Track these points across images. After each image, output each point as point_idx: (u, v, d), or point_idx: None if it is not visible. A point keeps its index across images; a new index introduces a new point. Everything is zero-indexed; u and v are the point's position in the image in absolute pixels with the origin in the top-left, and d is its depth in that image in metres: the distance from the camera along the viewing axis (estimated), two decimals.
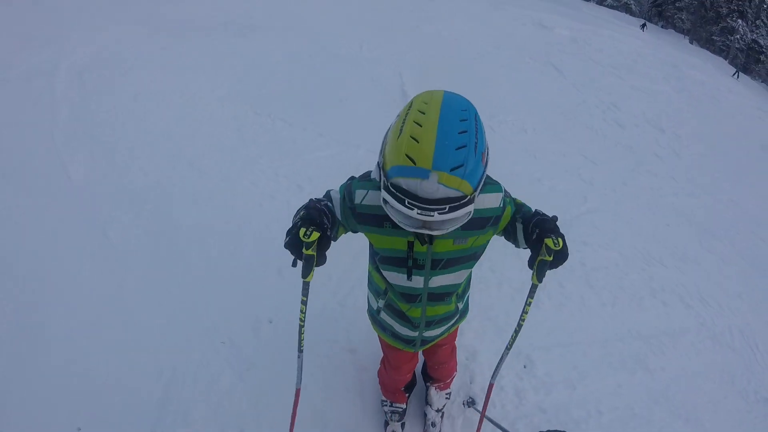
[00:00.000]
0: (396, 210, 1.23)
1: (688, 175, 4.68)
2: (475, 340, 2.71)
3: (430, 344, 1.93)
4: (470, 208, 1.21)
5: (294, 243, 1.36)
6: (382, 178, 1.23)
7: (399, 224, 1.28)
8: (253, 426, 1.86)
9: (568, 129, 4.86)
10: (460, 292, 1.78)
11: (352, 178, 1.57)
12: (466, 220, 1.26)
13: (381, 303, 1.77)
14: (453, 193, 1.15)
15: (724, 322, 3.36)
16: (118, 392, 2.41)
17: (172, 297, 2.87)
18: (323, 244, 1.40)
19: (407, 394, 2.39)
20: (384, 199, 1.25)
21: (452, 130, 1.15)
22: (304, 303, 1.56)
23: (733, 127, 5.87)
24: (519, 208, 1.60)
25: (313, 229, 1.35)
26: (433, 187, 1.13)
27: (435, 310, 1.73)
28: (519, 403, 2.50)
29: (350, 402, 2.47)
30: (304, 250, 1.35)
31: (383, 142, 1.29)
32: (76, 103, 4.51)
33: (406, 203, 1.17)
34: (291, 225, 1.41)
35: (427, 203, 1.15)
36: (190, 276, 3.01)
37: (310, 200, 1.49)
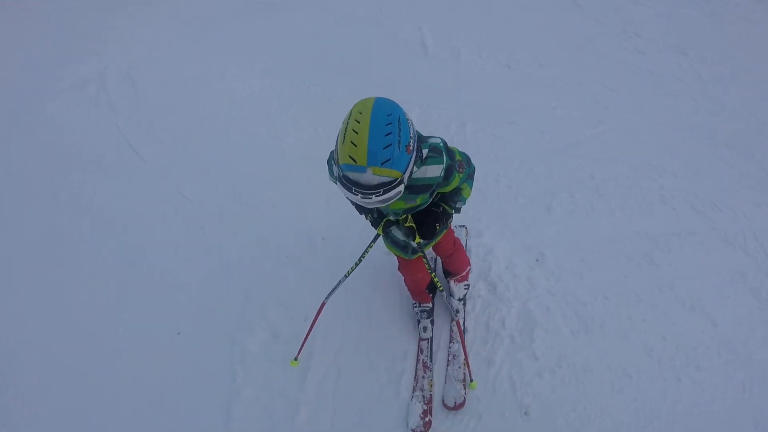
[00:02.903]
0: (346, 194, 1.66)
1: (710, 95, 4.66)
2: (493, 240, 3.13)
3: (424, 250, 2.32)
4: (400, 188, 1.62)
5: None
6: (336, 169, 1.63)
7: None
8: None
9: (586, 60, 4.96)
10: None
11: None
12: (399, 195, 1.66)
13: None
14: (385, 179, 1.57)
15: (738, 227, 3.35)
16: (212, 301, 3.28)
17: (247, 231, 3.63)
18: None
19: (432, 295, 2.87)
20: (339, 186, 1.66)
21: (380, 133, 1.53)
22: (371, 246, 2.35)
23: (766, 49, 5.70)
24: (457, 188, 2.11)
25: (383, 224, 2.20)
26: (369, 178, 1.55)
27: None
28: (530, 287, 2.90)
29: (390, 303, 3.01)
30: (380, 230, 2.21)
31: (336, 141, 1.66)
32: (131, 98, 5.22)
33: (353, 190, 1.59)
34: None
35: (366, 189, 1.58)
36: (257, 214, 3.74)
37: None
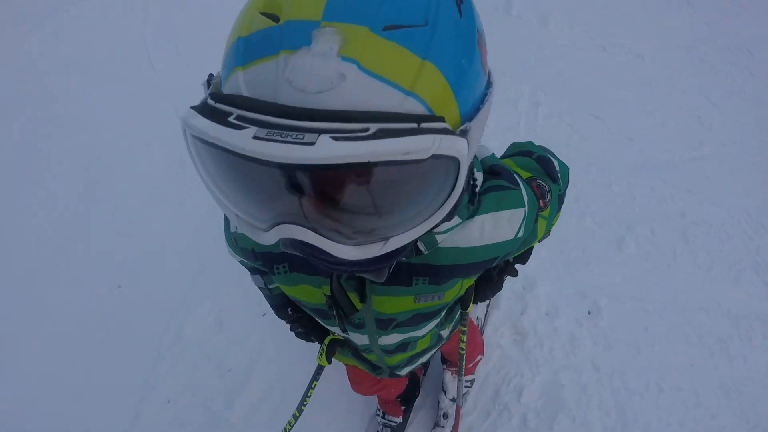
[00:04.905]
0: (203, 166, 0.51)
1: None
2: (539, 270, 2.11)
3: (404, 374, 1.24)
4: (429, 145, 0.42)
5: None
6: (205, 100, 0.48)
7: (237, 223, 0.55)
8: None
9: (691, 65, 3.86)
10: (443, 320, 1.08)
11: None
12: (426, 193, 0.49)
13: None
14: (383, 91, 0.42)
15: None
16: (167, 257, 2.44)
17: None
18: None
19: (404, 407, 1.82)
20: (190, 147, 0.50)
21: None
22: (313, 388, 1.20)
23: None
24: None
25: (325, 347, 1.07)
26: (327, 65, 0.42)
27: (398, 358, 1.07)
28: (570, 351, 1.94)
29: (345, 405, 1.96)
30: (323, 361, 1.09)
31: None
32: (168, 6, 4.30)
33: (232, 117, 0.43)
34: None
35: (299, 115, 0.41)
36: None
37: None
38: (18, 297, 2.37)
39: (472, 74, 0.50)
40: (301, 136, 0.39)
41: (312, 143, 0.38)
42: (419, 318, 0.85)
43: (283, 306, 1.10)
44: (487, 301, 1.97)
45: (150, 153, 2.98)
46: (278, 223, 0.49)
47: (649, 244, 2.32)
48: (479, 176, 0.72)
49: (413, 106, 0.43)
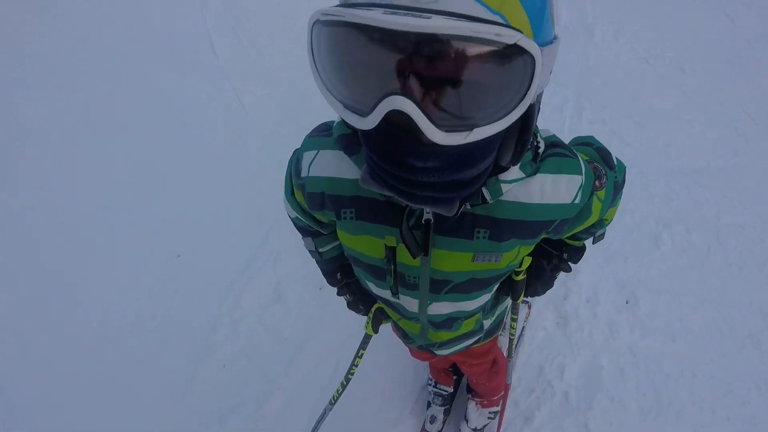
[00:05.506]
0: (321, 60, 0.64)
1: None
2: (582, 259, 2.22)
3: (441, 354, 1.26)
4: (515, 35, 0.53)
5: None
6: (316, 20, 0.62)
7: (345, 98, 0.63)
8: None
9: (730, 79, 3.90)
10: (489, 306, 1.13)
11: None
12: (500, 77, 0.57)
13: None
14: (476, 8, 0.53)
15: None
16: (231, 227, 2.55)
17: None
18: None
19: (455, 377, 1.94)
20: (313, 45, 0.64)
21: None
22: (360, 357, 1.32)
23: None
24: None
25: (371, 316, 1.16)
26: None
27: (440, 336, 1.10)
28: (609, 336, 2.06)
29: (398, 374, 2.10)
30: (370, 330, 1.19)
31: None
32: None
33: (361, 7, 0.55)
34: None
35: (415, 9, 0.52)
36: None
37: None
38: (77, 263, 2.47)
39: (545, 13, 0.61)
40: (419, 15, 0.51)
41: (428, 17, 0.51)
42: (473, 285, 0.89)
43: (333, 271, 1.17)
44: (520, 330, 2.05)
45: (213, 130, 3.08)
46: (385, 97, 0.57)
47: (684, 243, 2.41)
48: (542, 143, 0.81)
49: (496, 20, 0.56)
